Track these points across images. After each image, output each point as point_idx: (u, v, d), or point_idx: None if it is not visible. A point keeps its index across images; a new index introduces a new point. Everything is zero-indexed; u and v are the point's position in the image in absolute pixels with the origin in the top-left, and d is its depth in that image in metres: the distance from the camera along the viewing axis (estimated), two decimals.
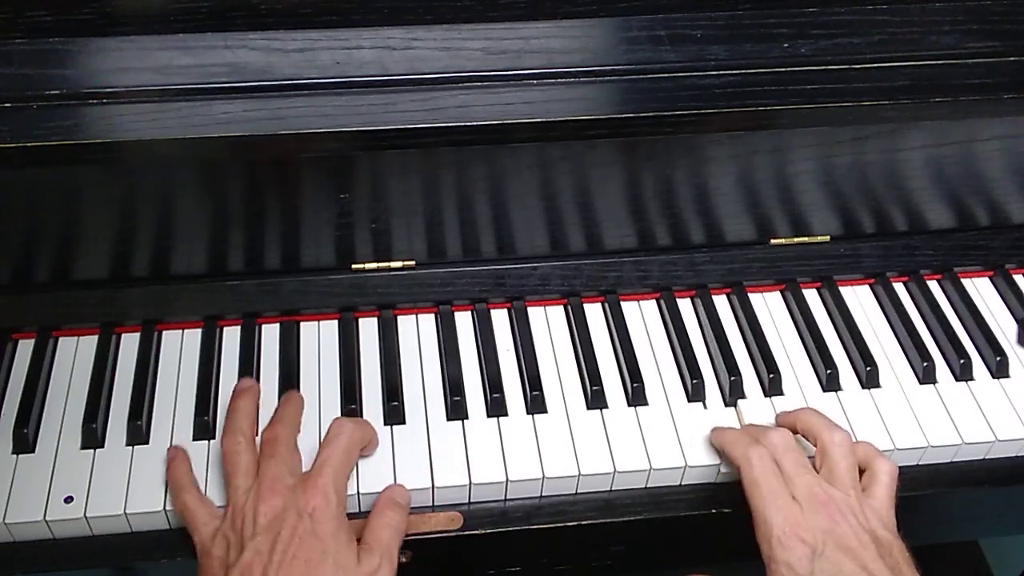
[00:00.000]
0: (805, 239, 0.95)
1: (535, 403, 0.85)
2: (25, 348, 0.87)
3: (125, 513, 0.76)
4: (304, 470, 0.77)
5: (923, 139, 0.88)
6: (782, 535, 0.70)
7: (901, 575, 0.69)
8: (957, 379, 0.89)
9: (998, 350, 0.90)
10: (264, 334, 0.90)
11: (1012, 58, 0.88)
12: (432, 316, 0.92)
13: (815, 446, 0.77)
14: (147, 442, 0.81)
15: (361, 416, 0.83)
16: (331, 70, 0.82)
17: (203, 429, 0.82)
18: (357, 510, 0.79)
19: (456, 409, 0.84)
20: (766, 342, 0.90)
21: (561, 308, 0.93)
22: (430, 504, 0.80)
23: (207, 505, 0.76)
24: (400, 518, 0.76)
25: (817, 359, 0.89)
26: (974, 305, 0.94)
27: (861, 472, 0.76)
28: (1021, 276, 0.98)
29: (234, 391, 0.82)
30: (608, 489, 0.81)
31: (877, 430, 0.84)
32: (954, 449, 0.84)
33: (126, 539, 0.78)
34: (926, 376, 0.88)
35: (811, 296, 0.95)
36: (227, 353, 0.88)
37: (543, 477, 0.80)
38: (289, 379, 0.86)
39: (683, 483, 0.82)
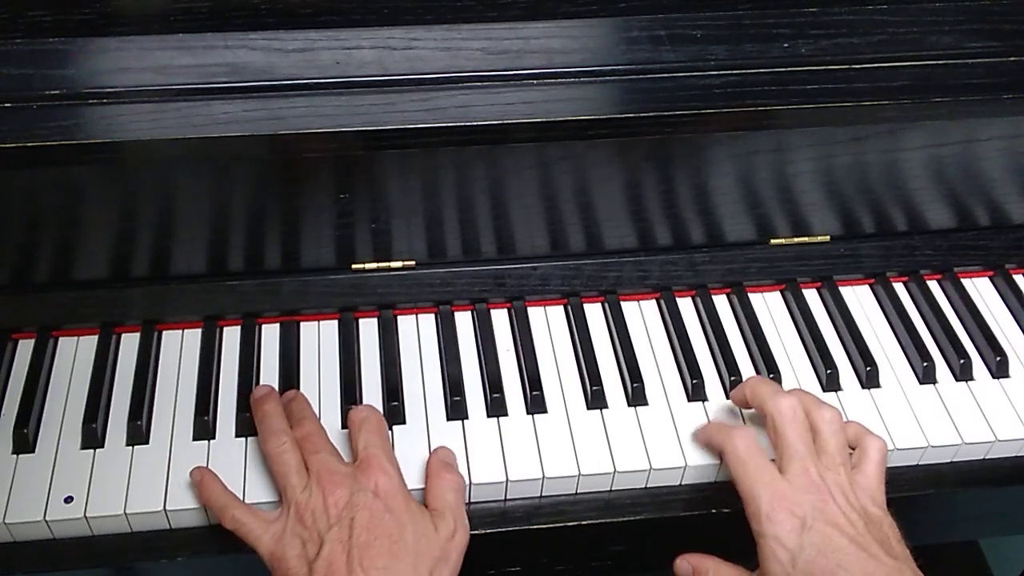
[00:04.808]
0: (805, 239, 0.95)
1: (535, 403, 0.84)
2: (25, 348, 0.87)
3: (125, 513, 0.76)
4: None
5: (923, 139, 0.88)
6: (770, 509, 0.71)
7: (891, 549, 0.70)
8: (957, 379, 0.89)
9: (998, 350, 0.90)
10: (264, 334, 0.90)
11: (1012, 58, 0.88)
12: (432, 316, 0.92)
13: (763, 414, 0.78)
14: (147, 442, 0.81)
15: None
16: (331, 70, 0.82)
17: (203, 429, 0.82)
18: None
19: (456, 409, 0.84)
20: (766, 342, 0.90)
21: (561, 308, 0.93)
22: None
23: (256, 512, 0.75)
24: (458, 478, 0.77)
25: (817, 359, 0.89)
26: (974, 305, 0.94)
27: (852, 449, 0.77)
28: (1021, 276, 0.98)
29: (254, 399, 0.81)
30: (608, 489, 0.81)
31: (877, 430, 0.83)
32: (954, 449, 0.84)
33: (126, 539, 0.78)
34: (926, 376, 0.88)
35: (811, 296, 0.95)
36: (227, 353, 0.88)
37: (543, 477, 0.80)
38: (289, 379, 0.86)
39: (683, 483, 0.82)
